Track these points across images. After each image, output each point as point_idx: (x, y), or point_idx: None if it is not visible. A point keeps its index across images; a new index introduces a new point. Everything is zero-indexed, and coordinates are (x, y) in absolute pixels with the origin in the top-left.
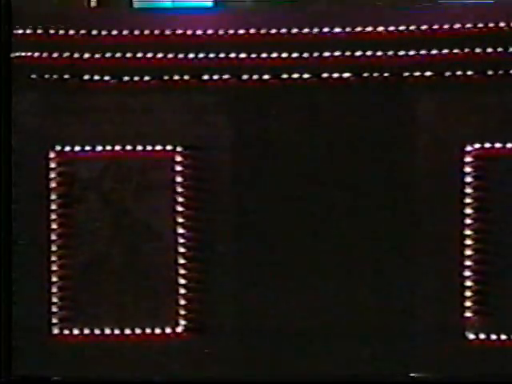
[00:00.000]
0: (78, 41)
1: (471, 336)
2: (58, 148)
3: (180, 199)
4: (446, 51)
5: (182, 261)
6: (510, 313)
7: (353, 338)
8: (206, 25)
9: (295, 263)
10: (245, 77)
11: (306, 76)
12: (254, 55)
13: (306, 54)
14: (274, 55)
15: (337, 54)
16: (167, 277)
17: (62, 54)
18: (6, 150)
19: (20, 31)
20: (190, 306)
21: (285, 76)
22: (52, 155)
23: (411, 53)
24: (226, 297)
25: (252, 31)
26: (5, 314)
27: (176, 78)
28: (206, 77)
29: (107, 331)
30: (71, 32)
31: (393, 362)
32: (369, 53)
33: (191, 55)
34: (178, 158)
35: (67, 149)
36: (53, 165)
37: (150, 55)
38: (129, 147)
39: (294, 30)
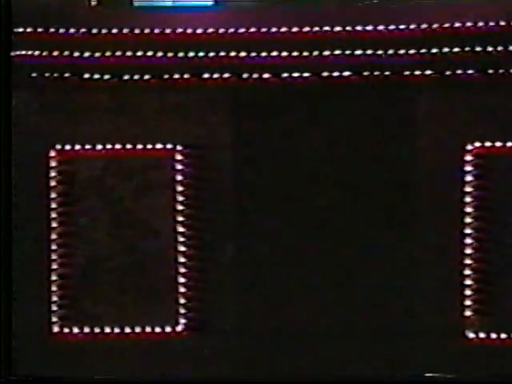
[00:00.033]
0: (78, 39)
1: (471, 335)
2: (59, 147)
3: (180, 198)
4: (446, 50)
5: (181, 259)
6: (510, 312)
7: (353, 338)
8: (207, 24)
9: (295, 262)
10: (245, 75)
11: (306, 75)
12: (254, 54)
13: (306, 53)
14: (274, 54)
15: (337, 52)
16: (167, 275)
17: (62, 52)
18: (7, 149)
19: (20, 30)
20: (190, 304)
21: (285, 75)
22: (52, 154)
23: (411, 51)
24: (226, 296)
25: (252, 30)
26: (5, 313)
27: (176, 76)
28: (206, 75)
29: (107, 330)
30: (71, 31)
31: (393, 362)
32: (369, 52)
33: (191, 54)
34: (178, 157)
35: (67, 147)
36: (53, 163)
37: (150, 54)
38: (129, 146)
39: (295, 29)
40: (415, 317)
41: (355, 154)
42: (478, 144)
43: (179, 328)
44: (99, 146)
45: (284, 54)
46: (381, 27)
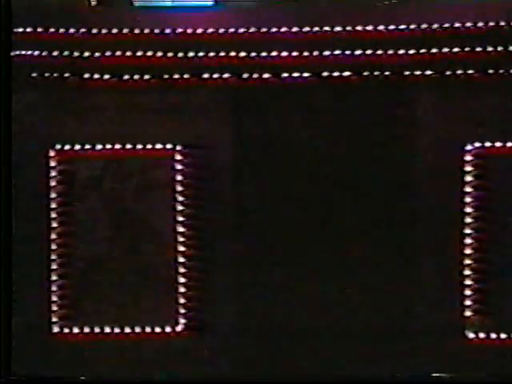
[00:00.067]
0: (78, 39)
1: (471, 335)
2: (58, 146)
3: (180, 198)
4: (446, 50)
5: (181, 259)
6: (510, 312)
7: (353, 338)
8: (207, 24)
9: (295, 262)
10: (245, 75)
11: (306, 75)
12: (254, 54)
13: (306, 53)
14: (274, 54)
15: (337, 52)
16: (167, 275)
17: (62, 52)
18: (6, 149)
19: (20, 30)
20: (190, 304)
21: (285, 75)
22: (52, 154)
23: (411, 51)
24: (226, 296)
25: (252, 30)
26: (5, 313)
27: (176, 76)
28: (205, 75)
29: (107, 330)
30: (71, 30)
31: (393, 362)
32: (369, 51)
33: (191, 54)
34: (178, 157)
35: (67, 147)
36: (53, 163)
37: (149, 54)
38: (129, 146)
39: (295, 29)
40: (415, 316)
41: (355, 154)
42: (477, 144)
43: (179, 328)
44: (99, 146)
45: (284, 53)
46: (381, 27)
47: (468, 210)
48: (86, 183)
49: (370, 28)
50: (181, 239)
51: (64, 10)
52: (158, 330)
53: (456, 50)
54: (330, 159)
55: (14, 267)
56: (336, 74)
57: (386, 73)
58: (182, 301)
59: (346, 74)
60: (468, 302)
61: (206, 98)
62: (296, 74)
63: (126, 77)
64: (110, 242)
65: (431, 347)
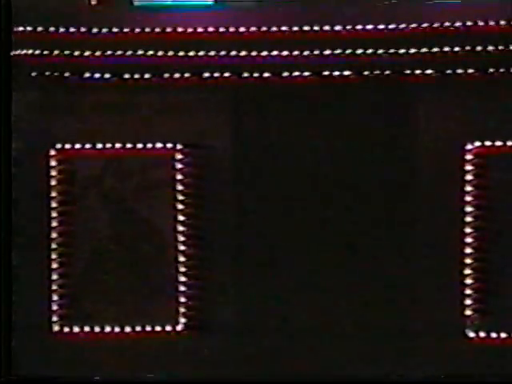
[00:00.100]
0: (78, 39)
1: (471, 334)
2: (59, 146)
3: (180, 197)
4: (446, 49)
5: (182, 258)
6: (510, 311)
7: (353, 338)
8: (207, 23)
9: (295, 262)
10: (245, 75)
11: (306, 74)
12: (254, 53)
13: (306, 52)
14: (275, 53)
15: (337, 51)
16: (167, 274)
17: (63, 51)
18: (7, 148)
19: (20, 29)
20: (190, 303)
21: (285, 74)
22: (52, 153)
23: (412, 51)
24: (226, 295)
25: (252, 29)
26: (5, 312)
27: (176, 75)
28: (206, 74)
29: (107, 329)
30: (72, 30)
31: (393, 362)
32: (369, 51)
33: (192, 53)
34: (179, 156)
35: (67, 146)
36: (53, 163)
37: (150, 53)
38: (129, 145)
39: (295, 28)
40: (415, 316)
41: (355, 153)
42: (477, 143)
43: (179, 327)
44: (99, 145)
45: (284, 53)
46: (381, 26)
47: (468, 209)
48: (86, 182)
49: (370, 27)
50: (181, 238)
51: (64, 9)
52: (158, 329)
53: (457, 49)
54: (329, 158)
55: (14, 266)
56: (336, 73)
57: (387, 72)
58: (182, 300)
59: (347, 73)
60: (468, 302)
61: (206, 97)
62: (296, 73)
63: (127, 76)
64: (111, 240)
65: (431, 346)
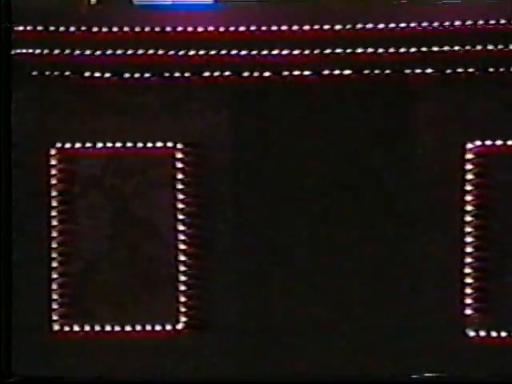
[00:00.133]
0: (78, 38)
1: (471, 333)
2: (59, 145)
3: (180, 196)
4: (446, 48)
5: (182, 257)
6: (511, 310)
7: (353, 337)
8: (207, 22)
9: (295, 261)
10: (246, 74)
11: (306, 73)
12: (254, 52)
13: (306, 51)
14: (275, 52)
15: (338, 50)
16: (168, 274)
17: (63, 50)
18: (7, 147)
19: (20, 28)
20: (191, 303)
21: (286, 73)
22: (53, 152)
23: (412, 50)
24: (227, 294)
25: (253, 28)
26: (5, 312)
27: (177, 74)
28: (206, 74)
29: (108, 328)
30: (72, 29)
31: (393, 362)
32: (370, 50)
33: (192, 52)
34: (179, 155)
35: (68, 146)
36: (53, 162)
37: (150, 52)
38: (129, 144)
39: (295, 27)
40: (415, 315)
41: (355, 152)
42: (478, 142)
43: (180, 326)
44: (100, 145)
45: (285, 52)
46: (381, 25)
47: (468, 208)
48: (86, 181)
49: (370, 26)
50: (181, 237)
51: (64, 8)
52: (158, 328)
53: (457, 48)
54: (329, 158)
55: (14, 265)
56: (337, 72)
57: (387, 71)
58: (182, 299)
59: (347, 72)
60: (468, 301)
61: (206, 96)
62: (297, 73)
63: (127, 75)
64: (111, 240)
65: (432, 346)
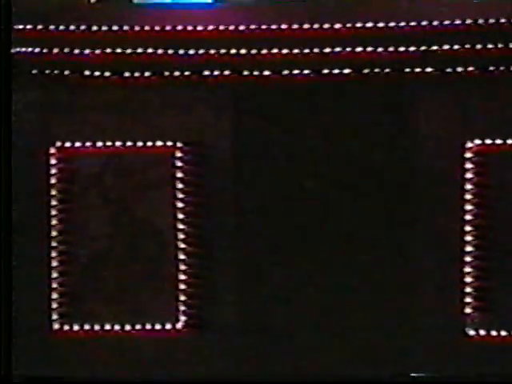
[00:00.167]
0: (78, 36)
1: (471, 332)
2: (59, 144)
3: (180, 195)
4: (446, 47)
5: (182, 256)
6: (510, 309)
7: (353, 337)
8: (207, 21)
9: (295, 261)
10: (245, 73)
11: (306, 72)
12: (254, 51)
13: (306, 50)
14: (275, 51)
15: (337, 50)
16: (167, 273)
17: (63, 49)
18: (7, 146)
19: (20, 27)
20: (190, 302)
21: (285, 72)
22: (52, 151)
23: (412, 49)
24: (226, 293)
25: (252, 27)
26: (5, 311)
27: (176, 73)
28: (206, 73)
29: (107, 327)
30: (71, 28)
31: (393, 360)
32: (369, 49)
33: (192, 51)
34: (178, 154)
35: (68, 144)
36: (53, 161)
37: (150, 51)
38: (129, 143)
39: (295, 26)
40: (415, 314)
41: (355, 151)
42: (478, 141)
43: (179, 325)
44: (99, 143)
45: (284, 51)
46: (381, 24)
47: (468, 207)
48: (86, 180)
49: (370, 25)
50: (181, 236)
51: (64, 7)
52: (158, 327)
53: (456, 47)
54: (329, 156)
55: (14, 265)
56: (336, 71)
57: (387, 70)
58: (182, 298)
59: (347, 71)
60: (468, 300)
61: (206, 95)
62: (296, 71)
63: (127, 74)
64: (111, 239)
65: (431, 345)
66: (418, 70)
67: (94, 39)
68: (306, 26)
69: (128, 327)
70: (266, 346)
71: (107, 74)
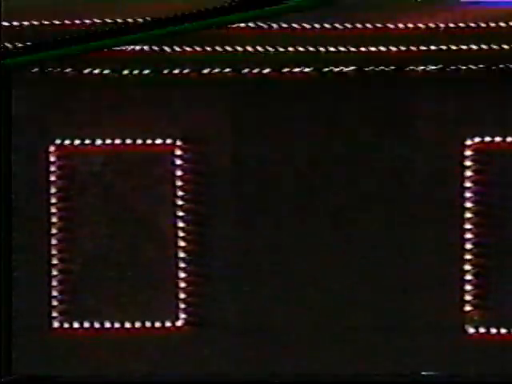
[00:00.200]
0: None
1: (471, 330)
2: (58, 141)
3: (180, 193)
4: (447, 46)
5: (181, 254)
6: (510, 307)
7: (353, 336)
8: None
9: (296, 260)
10: (245, 70)
11: (306, 70)
12: (254, 49)
13: (307, 48)
14: (275, 49)
15: (338, 48)
16: (167, 270)
17: None
18: (6, 144)
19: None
20: (190, 299)
21: (285, 70)
22: (52, 149)
23: (413, 48)
24: (226, 291)
25: (252, 25)
26: (5, 309)
27: (176, 71)
28: (206, 70)
29: (107, 325)
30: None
31: (392, 360)
32: (370, 47)
33: (191, 48)
34: (178, 152)
35: (67, 142)
36: (53, 158)
37: (148, 48)
38: (129, 141)
39: (295, 24)
40: (414, 312)
41: (355, 149)
42: (477, 139)
43: (179, 323)
44: (99, 141)
45: (284, 49)
46: (381, 24)
47: (468, 205)
48: (85, 178)
49: (370, 25)
50: (181, 234)
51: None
52: (158, 325)
53: (456, 46)
54: (329, 155)
55: (14, 263)
56: (337, 69)
57: (387, 68)
58: (182, 296)
59: (347, 69)
60: (468, 297)
61: (206, 92)
62: (297, 70)
63: (126, 71)
64: (110, 237)
65: (431, 343)
66: (418, 68)
67: None
68: (306, 24)
69: (128, 325)
70: (266, 345)
71: (106, 71)
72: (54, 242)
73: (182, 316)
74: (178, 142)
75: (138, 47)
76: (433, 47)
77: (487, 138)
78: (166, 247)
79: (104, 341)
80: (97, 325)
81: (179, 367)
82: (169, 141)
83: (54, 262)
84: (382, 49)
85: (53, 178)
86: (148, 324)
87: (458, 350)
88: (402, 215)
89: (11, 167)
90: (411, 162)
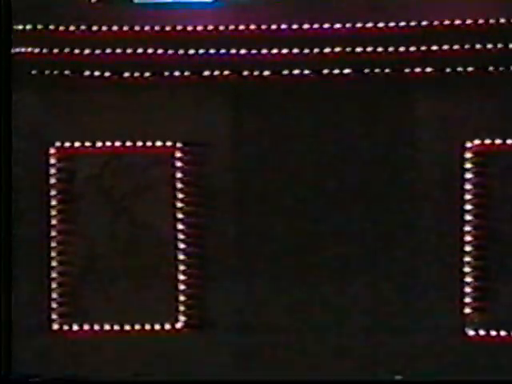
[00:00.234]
0: (78, 36)
1: (471, 332)
2: (58, 144)
3: (179, 195)
4: (446, 47)
5: (181, 257)
6: (510, 309)
7: (353, 336)
8: (206, 21)
9: (295, 261)
10: (245, 73)
11: (306, 72)
12: (254, 51)
13: (306, 50)
14: (275, 51)
15: (337, 50)
16: (167, 273)
17: (63, 49)
18: (7, 146)
19: (20, 27)
20: (190, 302)
21: (285, 72)
22: (52, 151)
23: (412, 49)
24: (226, 293)
25: (252, 27)
26: (5, 310)
27: (176, 74)
28: (206, 73)
29: (107, 327)
30: (71, 28)
31: (392, 361)
32: (369, 49)
33: (191, 51)
34: (178, 154)
35: (67, 144)
36: (53, 161)
37: (150, 51)
38: (129, 143)
39: (295, 26)
40: (415, 314)
41: (356, 151)
42: (477, 141)
43: (178, 325)
44: (99, 144)
45: (284, 51)
46: (381, 24)
47: (468, 207)
48: (85, 180)
49: (370, 25)
50: (181, 236)
51: (64, 7)
52: (157, 327)
53: (456, 47)
54: (329, 156)
55: (13, 265)
56: (336, 71)
57: (387, 70)
58: (181, 298)
59: (347, 71)
60: (468, 300)
61: (206, 95)
62: (296, 72)
63: (127, 74)
64: (110, 239)
65: (431, 345)
66: (417, 69)
67: (94, 39)
68: (305, 25)
69: (127, 327)
70: (266, 346)
71: (107, 74)
72: (53, 244)
73: (182, 318)
74: (178, 145)
75: (138, 50)
76: (432, 48)
77: (487, 141)
78: (165, 249)
79: (103, 343)
80: (96, 327)
81: (178, 368)
82: (169, 143)
83: (54, 264)
84: (382, 50)
85: (53, 180)
86: (147, 326)
87: (457, 351)
88: (402, 218)
89: (11, 169)
90: (411, 163)
